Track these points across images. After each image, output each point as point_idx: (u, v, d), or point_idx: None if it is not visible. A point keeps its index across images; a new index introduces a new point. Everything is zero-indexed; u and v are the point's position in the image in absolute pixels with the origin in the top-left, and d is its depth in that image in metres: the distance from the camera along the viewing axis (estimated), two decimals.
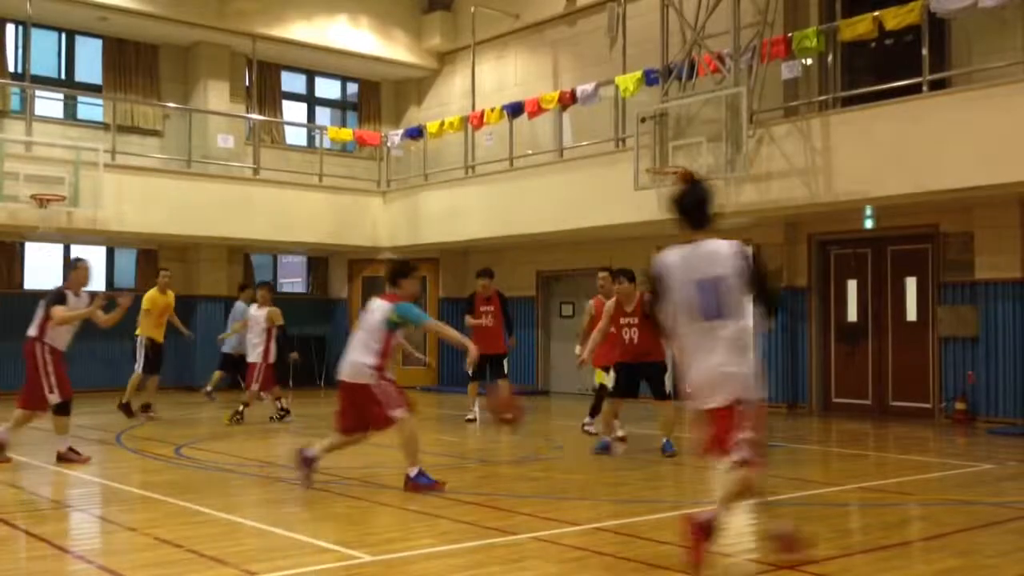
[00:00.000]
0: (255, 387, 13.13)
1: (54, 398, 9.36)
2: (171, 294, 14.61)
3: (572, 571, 5.44)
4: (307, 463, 7.88)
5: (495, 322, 13.55)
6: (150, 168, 17.84)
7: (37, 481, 8.84)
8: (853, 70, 14.33)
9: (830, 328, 15.27)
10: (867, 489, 8.19)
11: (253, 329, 13.28)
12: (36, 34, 17.57)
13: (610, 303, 10.42)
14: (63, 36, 18.79)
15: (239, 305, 16.28)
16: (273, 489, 8.45)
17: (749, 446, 5.22)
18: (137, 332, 14.19)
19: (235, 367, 15.66)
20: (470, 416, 13.45)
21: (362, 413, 7.86)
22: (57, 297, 9.49)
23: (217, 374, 16.16)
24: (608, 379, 10.57)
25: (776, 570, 5.42)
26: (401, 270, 8.08)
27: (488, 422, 12.76)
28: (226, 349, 15.87)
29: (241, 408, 13.12)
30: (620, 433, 10.75)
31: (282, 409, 13.57)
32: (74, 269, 9.90)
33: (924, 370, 14.11)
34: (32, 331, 9.53)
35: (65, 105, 18.76)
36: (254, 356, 13.22)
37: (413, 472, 7.68)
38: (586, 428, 11.93)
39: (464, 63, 20.18)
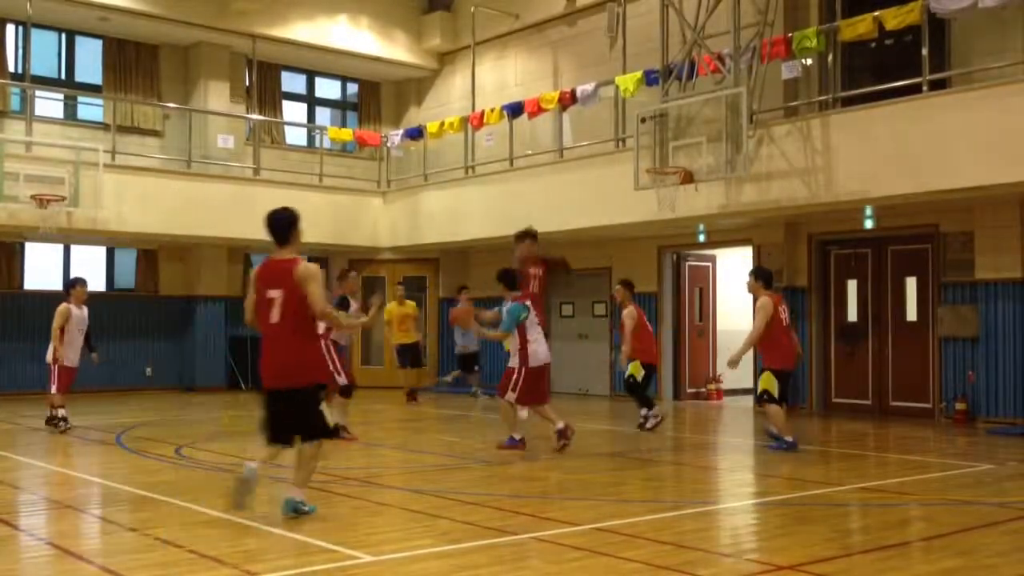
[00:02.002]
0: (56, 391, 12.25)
1: (342, 380, 11.13)
2: (409, 304, 16.92)
3: (572, 571, 5.44)
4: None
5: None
6: (150, 168, 17.84)
7: (37, 481, 8.85)
8: (853, 70, 14.32)
9: (830, 328, 15.27)
10: (867, 489, 8.19)
11: (81, 328, 12.26)
12: (36, 34, 17.56)
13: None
14: (63, 36, 18.77)
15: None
16: (273, 489, 8.44)
17: None
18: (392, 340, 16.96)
19: (467, 364, 17.41)
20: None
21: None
22: (342, 303, 11.47)
23: (456, 373, 17.85)
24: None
25: (777, 570, 5.42)
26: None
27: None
28: (460, 349, 17.39)
29: (60, 414, 12.18)
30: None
31: (62, 418, 12.24)
32: (346, 279, 12.18)
33: (924, 370, 14.10)
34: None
35: (65, 105, 18.75)
36: (76, 359, 12.33)
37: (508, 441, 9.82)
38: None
39: (464, 63, 20.18)
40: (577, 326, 18.63)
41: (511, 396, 10.27)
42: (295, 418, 6.73)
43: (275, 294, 6.67)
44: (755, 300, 11.06)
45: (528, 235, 11.10)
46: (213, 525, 6.59)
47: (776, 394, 10.48)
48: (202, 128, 18.90)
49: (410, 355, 16.82)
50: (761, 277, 10.87)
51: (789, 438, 10.40)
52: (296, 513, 6.70)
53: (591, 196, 15.61)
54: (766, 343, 10.59)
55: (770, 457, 10.29)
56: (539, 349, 10.23)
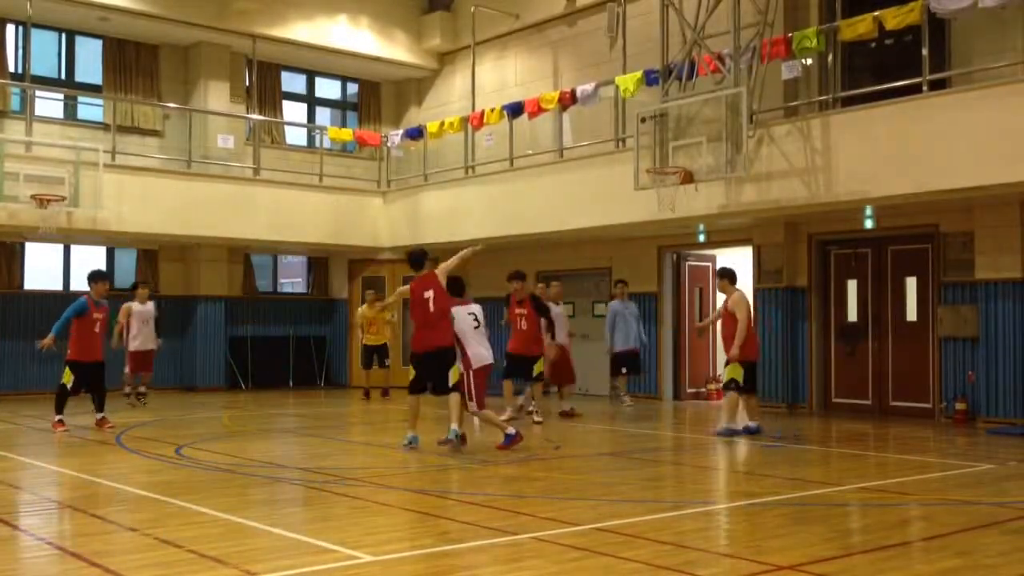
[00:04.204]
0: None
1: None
2: (378, 307, 17.12)
3: (572, 571, 5.44)
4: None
5: (529, 325, 13.18)
6: (150, 168, 17.84)
7: (37, 481, 8.85)
8: (853, 70, 14.33)
9: (830, 328, 15.27)
10: (867, 489, 8.19)
11: (147, 321, 15.51)
12: (36, 34, 17.57)
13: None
14: (63, 36, 18.78)
15: (616, 305, 15.76)
16: (273, 489, 8.45)
17: None
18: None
19: (627, 364, 15.79)
20: (506, 416, 12.73)
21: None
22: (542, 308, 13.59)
23: (622, 379, 15.91)
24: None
25: (777, 570, 5.43)
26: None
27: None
28: (619, 348, 15.58)
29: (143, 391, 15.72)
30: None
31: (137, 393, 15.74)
32: (548, 286, 14.69)
33: (924, 370, 14.10)
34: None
35: (65, 105, 18.75)
36: (152, 343, 15.63)
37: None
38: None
39: (464, 63, 20.18)
40: (577, 326, 18.58)
41: (472, 407, 10.51)
42: (439, 374, 10.27)
43: (429, 294, 10.26)
44: (726, 298, 11.98)
45: (515, 276, 13.25)
46: (213, 525, 6.59)
47: (741, 383, 11.66)
48: (202, 128, 18.90)
49: (378, 356, 17.35)
50: (727, 276, 12.08)
51: (736, 426, 11.70)
52: (455, 436, 10.16)
53: (591, 196, 15.60)
54: (732, 335, 11.63)
55: (770, 457, 10.29)
56: (481, 352, 10.61)
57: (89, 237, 17.64)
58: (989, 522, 6.78)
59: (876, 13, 12.65)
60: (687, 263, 17.63)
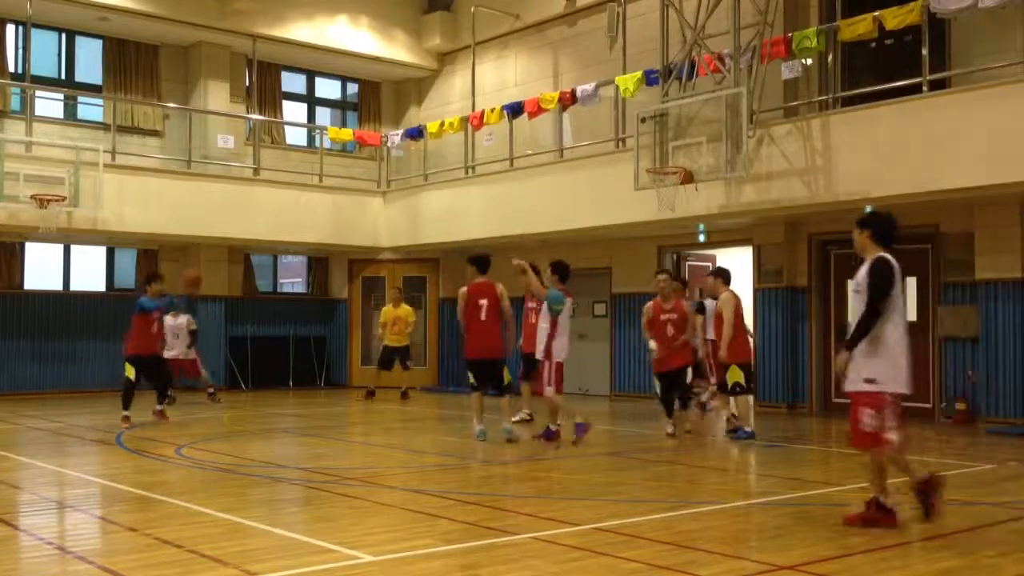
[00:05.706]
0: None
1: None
2: (405, 308, 17.53)
3: (572, 571, 5.44)
4: None
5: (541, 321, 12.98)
6: (150, 168, 17.83)
7: (37, 481, 8.85)
8: (853, 70, 14.33)
9: (830, 328, 15.27)
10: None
11: (178, 335, 15.66)
12: (36, 34, 17.57)
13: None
14: (63, 36, 18.77)
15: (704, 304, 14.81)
16: (273, 489, 8.45)
17: None
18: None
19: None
20: (518, 418, 12.70)
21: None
22: (700, 308, 12.88)
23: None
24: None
25: (777, 570, 5.42)
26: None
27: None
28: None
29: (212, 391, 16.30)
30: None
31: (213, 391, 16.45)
32: (706, 283, 13.46)
33: (924, 370, 14.08)
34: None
35: (65, 105, 18.75)
36: (192, 354, 15.87)
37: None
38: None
39: (464, 63, 20.18)
40: (577, 326, 18.54)
41: (549, 391, 10.89)
42: (493, 378, 10.93)
43: (483, 302, 10.72)
44: (715, 298, 12.05)
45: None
46: (213, 525, 6.59)
47: (744, 384, 11.63)
48: (202, 128, 18.90)
49: (400, 357, 17.37)
50: (721, 276, 12.01)
51: (748, 428, 11.57)
52: (508, 433, 10.79)
53: (591, 196, 15.61)
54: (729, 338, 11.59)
55: (770, 457, 10.29)
56: (565, 347, 11.00)
57: (89, 237, 17.64)
58: (989, 522, 6.78)
59: (876, 13, 12.65)
60: (687, 263, 17.61)
